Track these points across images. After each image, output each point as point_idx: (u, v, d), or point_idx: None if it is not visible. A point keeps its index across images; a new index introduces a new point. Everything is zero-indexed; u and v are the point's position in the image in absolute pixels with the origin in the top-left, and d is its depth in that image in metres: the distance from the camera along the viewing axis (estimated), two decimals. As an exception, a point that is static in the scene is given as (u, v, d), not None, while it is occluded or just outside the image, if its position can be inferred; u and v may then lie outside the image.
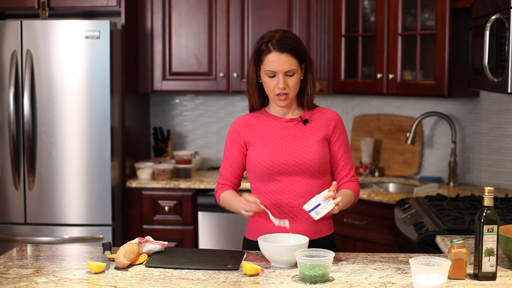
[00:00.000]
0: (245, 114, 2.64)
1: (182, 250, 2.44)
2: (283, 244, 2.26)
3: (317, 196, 2.32)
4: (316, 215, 2.31)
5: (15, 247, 2.55)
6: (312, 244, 2.39)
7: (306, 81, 2.54)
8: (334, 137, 2.55)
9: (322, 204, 2.30)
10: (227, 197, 2.56)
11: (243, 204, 2.40)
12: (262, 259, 2.34)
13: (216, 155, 4.86)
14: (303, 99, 2.56)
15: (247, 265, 2.17)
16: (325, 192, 2.30)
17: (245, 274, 2.18)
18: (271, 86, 2.47)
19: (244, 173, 2.63)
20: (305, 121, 2.54)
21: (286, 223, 2.40)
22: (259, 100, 2.59)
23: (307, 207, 2.32)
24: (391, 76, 4.04)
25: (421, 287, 1.99)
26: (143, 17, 4.49)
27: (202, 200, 4.22)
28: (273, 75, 2.46)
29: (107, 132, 4.08)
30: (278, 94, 2.47)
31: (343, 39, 4.31)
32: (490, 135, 3.99)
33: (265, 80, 2.49)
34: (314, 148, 2.49)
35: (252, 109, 2.62)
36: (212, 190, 4.22)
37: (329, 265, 2.11)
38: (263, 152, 2.51)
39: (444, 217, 3.00)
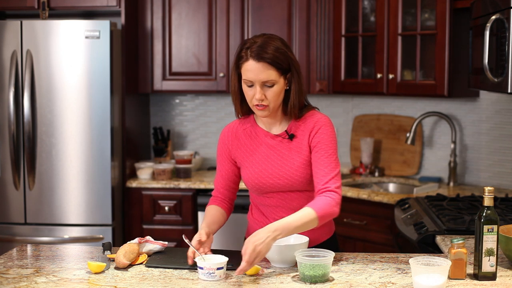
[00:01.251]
0: (234, 121, 2.57)
1: (182, 250, 2.44)
2: (283, 244, 2.26)
3: (209, 263, 2.14)
4: (199, 274, 2.16)
5: (15, 247, 2.55)
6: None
7: (289, 92, 2.39)
8: (313, 144, 2.40)
9: (205, 269, 2.13)
10: (205, 215, 2.53)
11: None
12: (262, 259, 2.33)
13: (216, 155, 4.84)
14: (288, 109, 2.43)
15: (247, 265, 2.17)
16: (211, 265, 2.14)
17: (245, 274, 2.18)
18: (249, 96, 2.34)
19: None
20: (291, 136, 2.43)
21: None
22: (242, 108, 2.47)
23: (200, 268, 2.15)
24: (391, 76, 4.04)
25: (421, 287, 1.99)
26: (143, 17, 4.49)
27: (202, 200, 4.22)
28: (251, 84, 2.32)
29: (107, 132, 4.08)
30: (256, 105, 2.35)
31: (343, 39, 4.31)
32: (490, 135, 3.99)
33: (244, 88, 2.36)
34: (301, 169, 2.41)
35: (238, 116, 2.53)
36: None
37: (329, 265, 2.11)
38: (249, 173, 2.47)
39: (444, 217, 3.00)
